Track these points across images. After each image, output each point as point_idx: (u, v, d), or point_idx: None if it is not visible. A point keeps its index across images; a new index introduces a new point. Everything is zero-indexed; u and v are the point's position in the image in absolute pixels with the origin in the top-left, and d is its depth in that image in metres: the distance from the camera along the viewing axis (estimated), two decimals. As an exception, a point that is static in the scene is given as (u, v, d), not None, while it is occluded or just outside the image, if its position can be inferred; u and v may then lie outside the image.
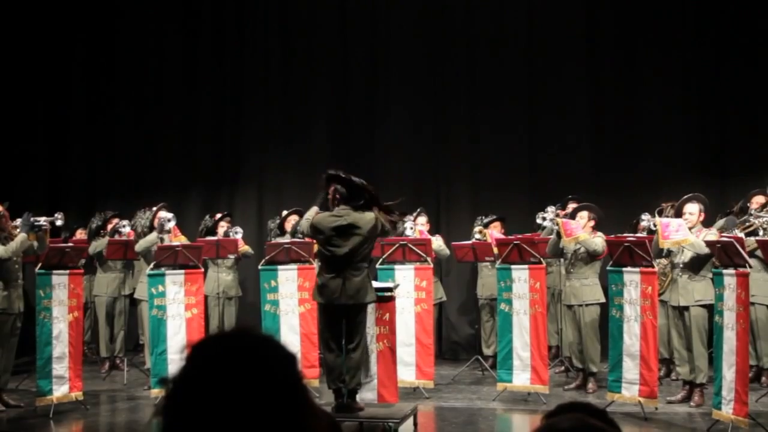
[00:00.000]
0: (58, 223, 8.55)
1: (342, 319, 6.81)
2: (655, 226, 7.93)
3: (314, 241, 7.73)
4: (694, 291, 7.78)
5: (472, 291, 10.89)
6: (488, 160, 11.70)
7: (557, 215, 9.17)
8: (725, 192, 10.36)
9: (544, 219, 9.43)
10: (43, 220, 8.18)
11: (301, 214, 9.98)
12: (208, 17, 12.89)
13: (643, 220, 8.52)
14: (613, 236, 8.33)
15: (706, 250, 7.52)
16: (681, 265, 7.88)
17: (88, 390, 8.68)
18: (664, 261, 8.33)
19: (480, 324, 10.35)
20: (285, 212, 10.29)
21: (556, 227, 8.64)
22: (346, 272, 6.68)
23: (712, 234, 7.76)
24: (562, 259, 9.12)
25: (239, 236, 10.35)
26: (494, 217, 10.30)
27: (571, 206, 9.32)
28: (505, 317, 8.37)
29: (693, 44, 11.30)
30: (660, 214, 8.59)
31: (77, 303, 8.22)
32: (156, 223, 9.13)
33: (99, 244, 10.04)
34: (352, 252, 6.69)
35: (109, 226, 10.26)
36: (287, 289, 8.68)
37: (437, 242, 9.91)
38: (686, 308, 7.81)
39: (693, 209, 7.91)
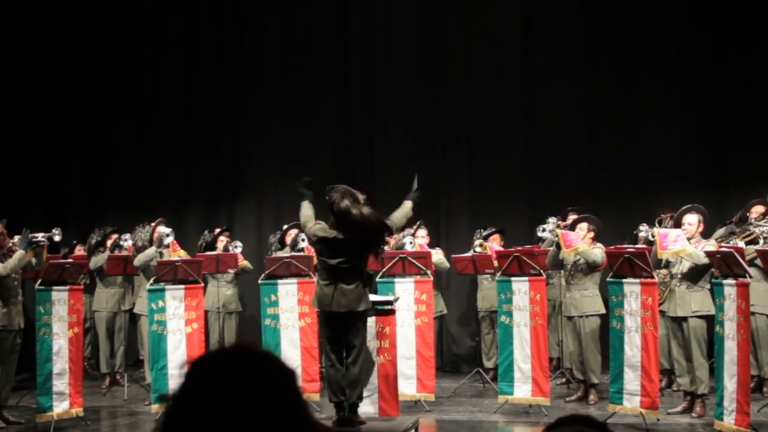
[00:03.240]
0: (56, 238, 8.55)
1: (340, 331, 6.80)
2: (653, 236, 7.94)
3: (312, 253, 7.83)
4: (692, 302, 7.78)
5: (472, 303, 10.87)
6: (487, 173, 11.71)
7: (558, 226, 9.16)
8: (724, 202, 10.37)
9: (544, 231, 9.42)
10: (40, 236, 8.19)
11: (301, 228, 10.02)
12: (207, 31, 12.92)
13: (641, 230, 8.52)
14: (612, 247, 8.33)
15: (705, 261, 7.52)
16: (679, 276, 7.88)
17: (89, 406, 8.66)
18: (663, 271, 8.33)
19: (480, 336, 10.33)
20: (285, 226, 10.30)
21: (555, 239, 8.65)
22: (338, 281, 6.71)
23: (711, 245, 7.77)
24: (562, 271, 9.12)
25: (239, 250, 10.35)
26: (493, 229, 10.31)
27: (571, 218, 9.33)
28: (506, 329, 8.35)
29: (692, 54, 11.33)
30: (659, 224, 8.61)
31: (77, 319, 8.21)
32: (155, 237, 9.15)
33: (99, 259, 10.06)
34: (342, 264, 6.70)
35: (108, 242, 10.27)
36: (287, 303, 8.67)
37: (437, 255, 9.91)
38: (684, 319, 7.81)
39: (692, 220, 7.93)
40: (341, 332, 6.80)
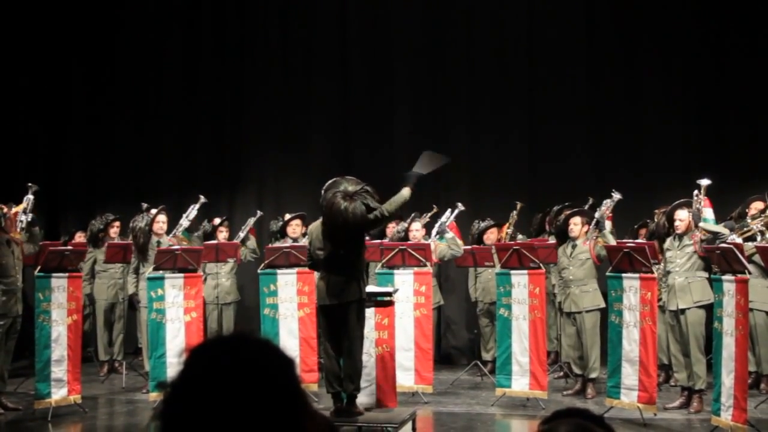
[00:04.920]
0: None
1: (334, 323, 6.80)
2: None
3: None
4: (693, 292, 7.81)
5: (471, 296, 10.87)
6: (488, 166, 11.71)
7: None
8: (725, 199, 10.35)
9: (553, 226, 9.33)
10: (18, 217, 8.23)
11: (304, 219, 10.01)
12: (208, 23, 12.90)
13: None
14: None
15: (726, 231, 7.60)
16: (677, 269, 7.91)
17: (87, 393, 8.67)
18: (660, 267, 8.34)
19: (479, 329, 10.33)
20: (288, 216, 10.25)
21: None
22: (330, 273, 6.78)
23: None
24: (560, 266, 9.08)
25: (253, 221, 10.51)
26: (491, 222, 10.30)
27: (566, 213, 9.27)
28: (504, 322, 8.36)
29: (692, 52, 11.32)
30: (656, 220, 8.66)
31: (76, 306, 8.22)
32: (155, 227, 9.15)
33: (93, 255, 10.14)
34: (328, 254, 6.77)
35: (111, 230, 10.29)
36: (286, 293, 8.67)
37: (450, 235, 9.76)
38: (683, 312, 7.83)
39: (683, 216, 7.98)
40: (335, 324, 6.80)
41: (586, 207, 9.39)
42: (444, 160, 7.41)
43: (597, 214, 8.57)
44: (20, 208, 8.34)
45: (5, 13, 12.47)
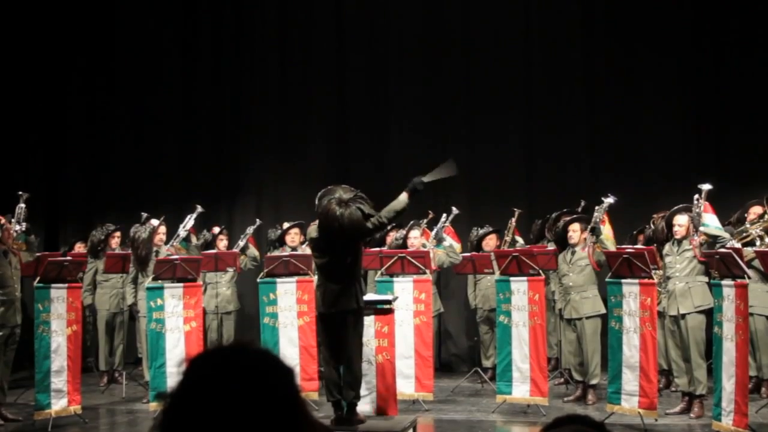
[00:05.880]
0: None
1: (333, 331, 6.79)
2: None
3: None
4: (694, 297, 7.81)
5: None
6: (486, 173, 11.70)
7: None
8: (723, 203, 10.35)
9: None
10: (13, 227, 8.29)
11: (302, 227, 10.01)
12: (206, 31, 12.92)
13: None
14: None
15: (726, 235, 7.61)
16: (677, 274, 7.91)
17: (87, 404, 8.65)
18: (659, 272, 8.35)
19: (479, 336, 10.32)
20: (286, 225, 10.25)
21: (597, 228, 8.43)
22: (327, 281, 6.76)
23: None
24: (559, 272, 9.08)
25: (251, 231, 10.52)
26: (490, 229, 10.31)
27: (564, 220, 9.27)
28: (504, 329, 8.35)
29: (690, 56, 11.34)
30: (653, 225, 8.65)
31: (76, 316, 8.21)
32: (156, 238, 9.14)
33: (94, 265, 10.14)
34: (326, 263, 6.76)
35: (112, 241, 10.29)
36: (286, 302, 8.66)
37: (449, 241, 9.83)
38: (684, 316, 7.84)
39: (681, 221, 7.97)
40: (334, 332, 6.79)
41: (579, 209, 9.41)
42: (453, 172, 7.35)
43: (592, 221, 8.57)
44: (15, 219, 8.36)
45: (3, 24, 12.47)
